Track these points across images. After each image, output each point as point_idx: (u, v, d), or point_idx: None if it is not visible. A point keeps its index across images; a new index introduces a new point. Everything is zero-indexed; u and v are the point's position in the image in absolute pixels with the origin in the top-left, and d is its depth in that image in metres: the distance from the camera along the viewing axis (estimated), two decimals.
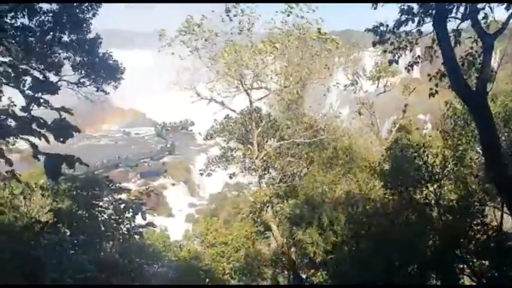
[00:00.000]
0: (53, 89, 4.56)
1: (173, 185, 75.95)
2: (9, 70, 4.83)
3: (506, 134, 13.36)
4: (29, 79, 4.86)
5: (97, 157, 75.11)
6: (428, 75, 9.97)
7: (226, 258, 28.15)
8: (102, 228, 10.28)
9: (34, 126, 4.40)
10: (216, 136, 25.07)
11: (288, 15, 19.98)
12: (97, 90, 16.74)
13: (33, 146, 4.67)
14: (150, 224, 14.49)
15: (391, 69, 28.93)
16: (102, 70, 16.19)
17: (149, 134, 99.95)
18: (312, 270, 23.00)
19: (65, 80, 16.66)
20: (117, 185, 12.33)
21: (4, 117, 4.55)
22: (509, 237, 13.19)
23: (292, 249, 22.49)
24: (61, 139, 4.47)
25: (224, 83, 20.66)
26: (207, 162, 25.18)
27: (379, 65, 29.43)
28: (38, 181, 15.56)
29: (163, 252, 27.63)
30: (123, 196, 12.62)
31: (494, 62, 8.64)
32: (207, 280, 25.60)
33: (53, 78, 16.44)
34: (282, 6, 19.87)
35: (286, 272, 24.87)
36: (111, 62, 16.38)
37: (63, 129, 4.46)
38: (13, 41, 14.01)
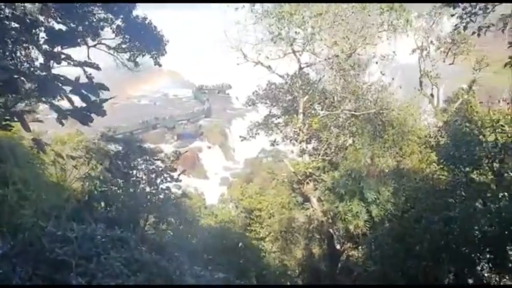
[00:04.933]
0: (72, 40, 3.84)
1: (209, 148, 76.32)
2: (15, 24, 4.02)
3: None
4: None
5: (136, 117, 76.07)
6: (510, 43, 9.16)
7: (259, 223, 28.21)
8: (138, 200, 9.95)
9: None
10: (258, 102, 24.42)
11: None
12: (129, 59, 16.18)
13: (57, 109, 4.05)
14: (185, 196, 14.18)
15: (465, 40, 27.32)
16: (143, 37, 15.59)
17: (187, 96, 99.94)
18: (349, 244, 22.63)
19: (104, 44, 16.17)
20: (151, 146, 11.98)
21: (17, 77, 3.84)
22: None
23: (331, 221, 22.05)
24: (89, 99, 3.81)
25: (273, 45, 19.85)
26: (248, 129, 24.62)
27: (453, 34, 27.63)
28: (75, 140, 15.26)
29: (199, 216, 27.90)
30: (158, 162, 12.26)
31: None
32: (240, 244, 25.76)
33: (91, 42, 15.98)
34: None
35: (322, 243, 24.56)
36: (153, 29, 15.75)
37: (89, 88, 3.81)
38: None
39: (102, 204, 9.07)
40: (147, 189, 10.94)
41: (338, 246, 23.17)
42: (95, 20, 14.45)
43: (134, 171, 11.33)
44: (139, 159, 11.70)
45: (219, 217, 27.97)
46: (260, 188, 33.86)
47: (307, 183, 21.87)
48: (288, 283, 25.07)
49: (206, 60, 75.93)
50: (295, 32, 19.89)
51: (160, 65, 16.21)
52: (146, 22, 15.29)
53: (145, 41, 15.50)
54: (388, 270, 16.07)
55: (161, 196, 11.08)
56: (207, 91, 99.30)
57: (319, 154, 21.78)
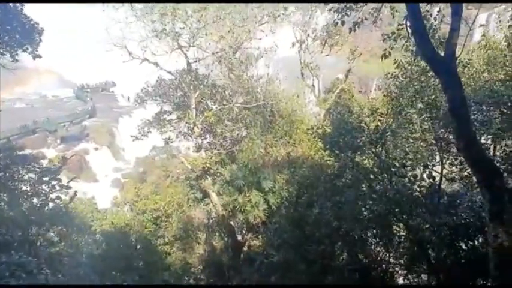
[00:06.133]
0: None
1: (96, 149, 72.06)
2: None
3: None
4: None
5: (12, 122, 69.24)
6: (383, 35, 9.88)
7: (158, 224, 27.55)
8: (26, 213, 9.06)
9: None
10: (148, 99, 23.61)
11: None
12: (11, 55, 14.58)
13: None
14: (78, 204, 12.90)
15: (339, 32, 28.96)
16: (15, 30, 14.01)
17: (68, 96, 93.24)
18: (250, 234, 23.10)
19: None
20: (32, 152, 11.09)
21: None
22: (443, 195, 13.76)
23: (231, 214, 22.28)
24: None
25: (158, 41, 19.33)
26: (140, 127, 23.66)
27: (328, 26, 29.17)
28: None
29: (92, 221, 26.44)
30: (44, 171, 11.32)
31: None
32: (139, 246, 25.03)
33: None
34: None
35: (223, 236, 24.72)
36: (24, 20, 14.25)
37: None
38: None
39: None
40: (35, 200, 9.94)
41: (239, 238, 23.53)
42: None
43: (18, 183, 10.21)
44: (21, 169, 10.59)
45: (113, 222, 26.72)
46: (156, 187, 33.01)
47: (206, 178, 21.81)
48: (191, 280, 24.92)
49: (87, 58, 71.64)
50: (180, 28, 19.58)
51: (40, 57, 14.62)
52: (16, 10, 13.76)
53: (16, 34, 13.94)
54: (288, 256, 16.72)
55: (51, 206, 10.17)
56: (89, 90, 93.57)
57: (216, 148, 21.83)
